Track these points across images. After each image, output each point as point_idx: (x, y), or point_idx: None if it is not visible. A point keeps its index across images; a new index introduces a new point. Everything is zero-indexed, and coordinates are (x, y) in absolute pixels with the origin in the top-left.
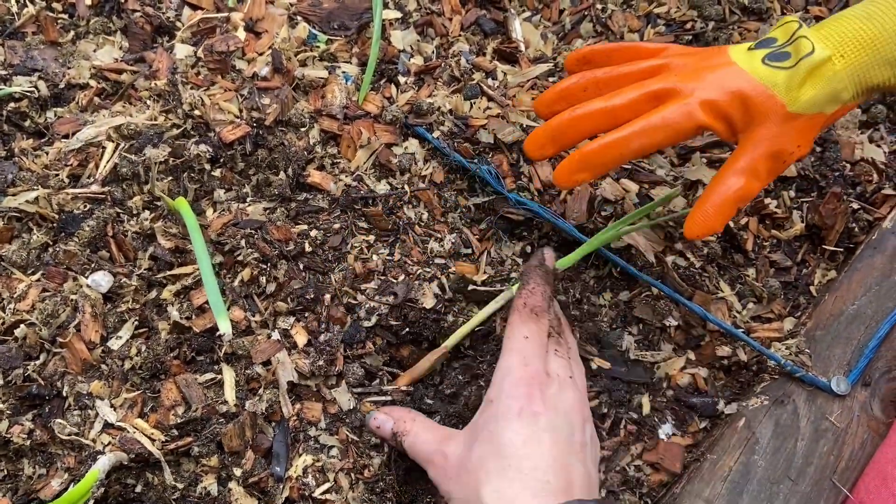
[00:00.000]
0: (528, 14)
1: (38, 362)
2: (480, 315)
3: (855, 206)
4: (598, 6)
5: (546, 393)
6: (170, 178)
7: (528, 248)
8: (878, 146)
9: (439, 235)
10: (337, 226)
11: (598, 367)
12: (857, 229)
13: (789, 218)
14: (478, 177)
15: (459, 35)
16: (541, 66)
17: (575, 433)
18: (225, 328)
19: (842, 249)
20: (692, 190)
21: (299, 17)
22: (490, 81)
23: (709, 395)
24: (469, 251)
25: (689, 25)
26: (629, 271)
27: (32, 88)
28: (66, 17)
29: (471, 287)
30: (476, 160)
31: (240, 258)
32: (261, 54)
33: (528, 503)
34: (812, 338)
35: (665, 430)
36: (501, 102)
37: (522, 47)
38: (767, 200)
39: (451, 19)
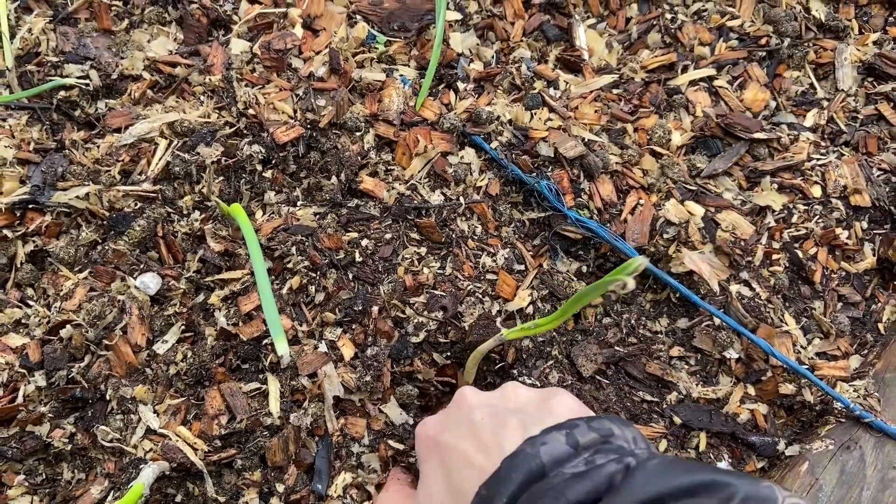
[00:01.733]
0: (593, 21)
1: (82, 364)
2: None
3: None
4: (668, 16)
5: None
6: (221, 178)
7: (584, 269)
8: None
9: (492, 250)
10: (388, 236)
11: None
12: None
13: (860, 250)
14: (535, 191)
15: (521, 40)
16: (605, 77)
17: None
18: (283, 350)
19: None
20: (760, 216)
21: (358, 16)
22: (552, 91)
23: (769, 433)
24: (522, 267)
25: (763, 41)
26: (690, 298)
27: (84, 78)
28: (120, 4)
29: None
30: (535, 174)
31: (290, 265)
32: (318, 53)
33: (479, 480)
34: (881, 380)
35: (721, 467)
36: (563, 114)
37: (586, 56)
38: (839, 231)
39: (513, 23)
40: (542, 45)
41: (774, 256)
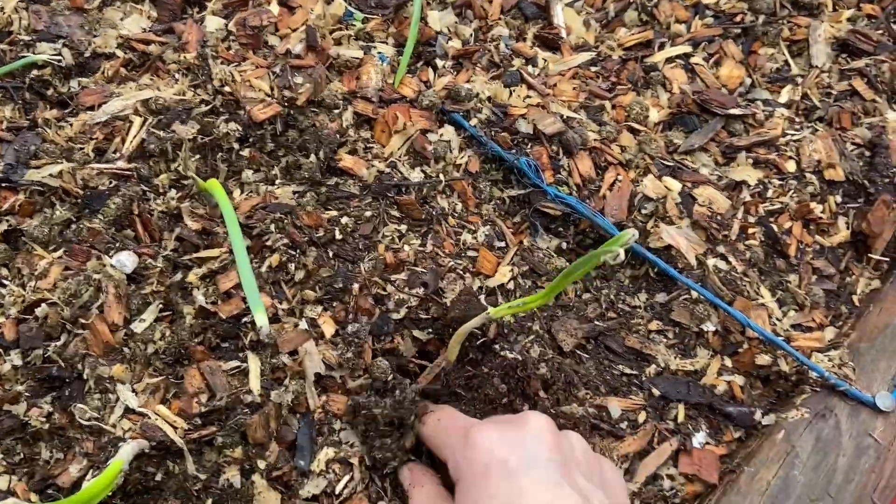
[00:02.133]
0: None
1: (58, 343)
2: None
3: None
4: None
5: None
6: (197, 156)
7: (564, 245)
8: None
9: (472, 227)
10: (368, 213)
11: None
12: None
13: (834, 224)
14: (515, 168)
15: (499, 18)
16: (583, 55)
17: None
18: (262, 322)
19: (888, 259)
20: (736, 191)
21: None
22: (530, 69)
23: (745, 404)
24: (502, 244)
25: (738, 18)
26: (668, 272)
27: (57, 56)
28: None
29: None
30: (514, 151)
31: (268, 243)
32: (294, 30)
33: None
34: (856, 350)
35: (699, 438)
36: (542, 91)
37: (564, 34)
38: (813, 205)
39: (490, 1)
40: (521, 23)
41: (750, 230)
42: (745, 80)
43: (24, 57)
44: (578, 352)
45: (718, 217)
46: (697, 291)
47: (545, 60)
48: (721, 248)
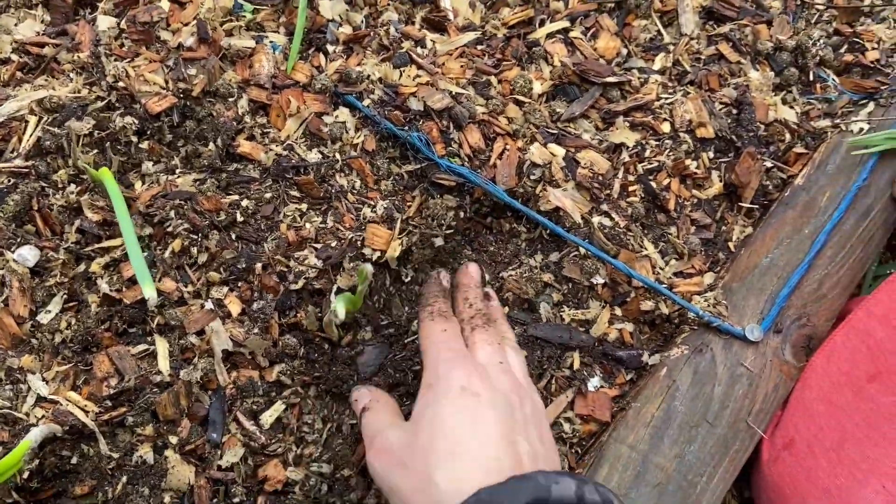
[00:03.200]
0: None
1: None
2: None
3: (769, 164)
4: None
5: (482, 374)
6: (96, 151)
7: (462, 214)
8: (791, 107)
9: (372, 203)
10: (269, 195)
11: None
12: (771, 187)
13: (708, 178)
14: (409, 144)
15: (388, 4)
16: (469, 35)
17: (515, 412)
18: (149, 293)
19: (757, 206)
20: (616, 153)
21: None
22: (419, 50)
23: (635, 348)
24: (400, 216)
25: None
26: (557, 232)
27: None
28: None
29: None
30: (407, 128)
31: (170, 229)
32: (186, 25)
33: (482, 481)
34: (729, 290)
35: (594, 382)
36: (430, 70)
37: (451, 16)
38: (688, 162)
39: None
40: (409, 7)
41: (631, 188)
42: (622, 50)
43: None
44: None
45: (600, 178)
46: (585, 248)
47: (433, 42)
48: (604, 207)
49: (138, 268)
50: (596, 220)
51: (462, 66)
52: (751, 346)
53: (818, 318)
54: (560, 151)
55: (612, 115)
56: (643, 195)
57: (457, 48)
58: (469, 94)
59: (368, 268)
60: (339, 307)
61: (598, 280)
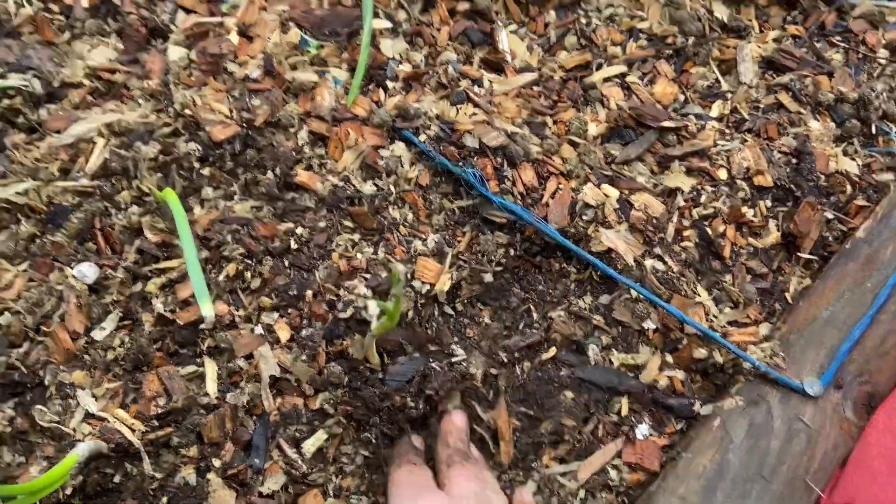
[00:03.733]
0: (514, 27)
1: (21, 350)
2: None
3: (829, 215)
4: (583, 20)
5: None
6: (159, 174)
7: (512, 251)
8: (852, 159)
9: (423, 236)
10: (322, 224)
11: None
12: (831, 238)
13: (765, 227)
14: (463, 180)
15: (448, 45)
16: (526, 76)
17: None
18: (207, 312)
19: (816, 257)
20: (671, 197)
21: (291, 23)
22: (476, 89)
23: (686, 396)
24: (452, 251)
25: (670, 40)
26: (608, 274)
27: (26, 85)
28: (62, 18)
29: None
30: (461, 164)
31: (225, 253)
32: (252, 58)
33: None
34: (787, 342)
35: (642, 430)
36: (487, 109)
37: (508, 58)
38: (745, 209)
39: (439, 30)
40: (468, 48)
41: (685, 233)
42: (679, 96)
43: None
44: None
45: (654, 221)
46: (637, 291)
47: (490, 81)
48: (658, 250)
49: (197, 286)
50: (649, 263)
51: (518, 106)
52: (810, 401)
53: (881, 375)
54: (614, 193)
55: (667, 160)
56: (698, 241)
57: (513, 88)
58: (524, 133)
59: (400, 268)
60: (370, 304)
61: (650, 325)
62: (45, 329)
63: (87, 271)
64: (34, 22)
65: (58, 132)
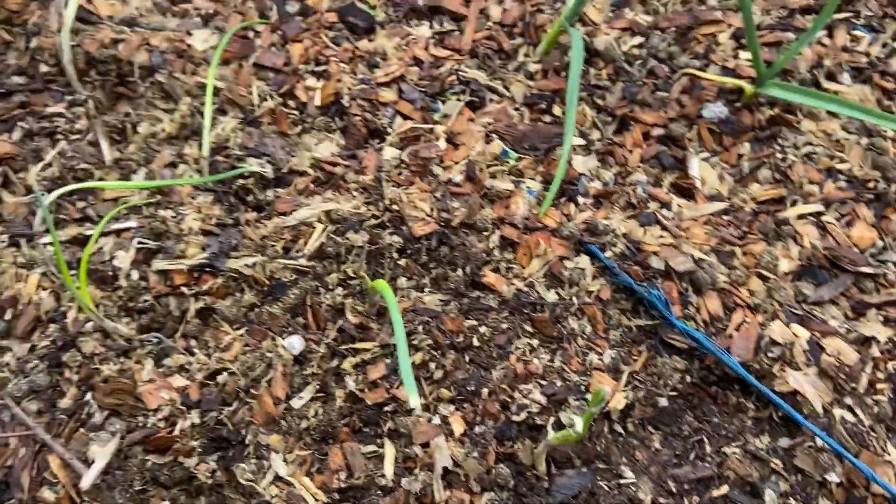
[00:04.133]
0: (706, 154)
1: (230, 409)
2: None
3: None
4: (779, 155)
5: None
6: (363, 261)
7: (688, 378)
8: None
9: (599, 350)
10: (504, 326)
11: None
12: None
13: None
14: (645, 300)
15: (639, 166)
16: (716, 204)
17: None
18: (415, 402)
19: None
20: (866, 345)
21: (495, 135)
22: (665, 212)
23: None
24: (627, 369)
25: (871, 185)
26: (793, 417)
27: (261, 169)
28: (296, 113)
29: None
30: (645, 284)
31: (415, 342)
32: (456, 163)
33: None
34: None
35: None
36: (675, 233)
37: (699, 184)
38: None
39: (631, 151)
40: (658, 171)
41: (879, 385)
42: (877, 241)
43: (239, 166)
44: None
45: (847, 369)
46: (823, 440)
47: (679, 206)
48: (848, 400)
49: (406, 376)
50: (838, 412)
51: (706, 234)
52: None
53: None
54: (804, 334)
55: (863, 306)
56: (892, 395)
57: (702, 215)
58: (712, 261)
59: (606, 390)
60: (577, 420)
61: (833, 478)
62: (253, 392)
63: (296, 343)
64: (273, 114)
65: (283, 214)
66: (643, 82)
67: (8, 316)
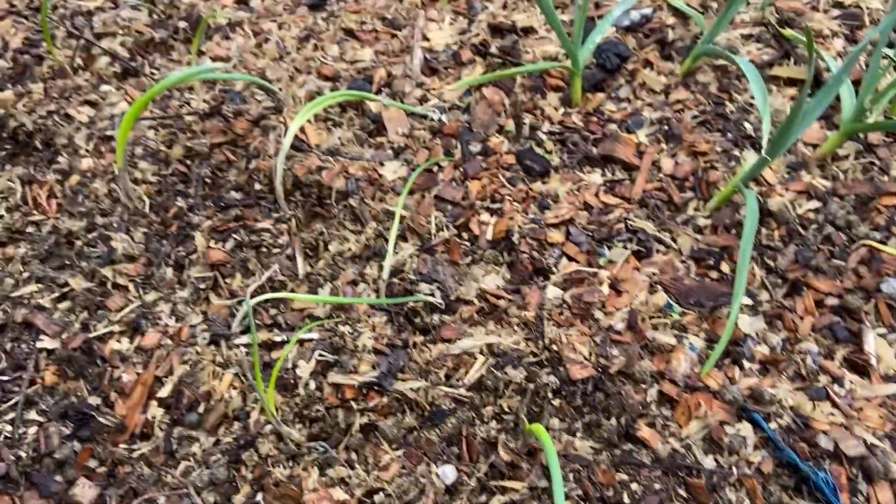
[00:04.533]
0: (883, 330)
1: None
2: None
3: None
4: None
5: None
6: (518, 397)
7: None
8: None
9: None
10: (657, 486)
11: None
12: None
13: None
14: (811, 481)
15: (809, 335)
16: (893, 386)
17: None
18: None
19: None
20: None
21: (660, 286)
22: (836, 388)
23: None
24: None
25: None
26: None
27: (431, 294)
28: (468, 244)
29: None
30: (811, 463)
31: (565, 489)
32: (618, 310)
33: None
34: None
35: None
36: (846, 412)
37: (874, 362)
38: None
39: (802, 318)
40: (830, 342)
41: None
42: None
43: (409, 291)
44: None
45: None
46: None
47: (852, 383)
48: None
49: None
50: None
51: (882, 417)
52: None
53: None
54: None
55: None
56: None
57: (878, 396)
58: (885, 447)
59: None
60: None
61: None
62: None
63: (449, 473)
64: (447, 244)
65: (447, 341)
66: (818, 248)
67: (201, 409)
